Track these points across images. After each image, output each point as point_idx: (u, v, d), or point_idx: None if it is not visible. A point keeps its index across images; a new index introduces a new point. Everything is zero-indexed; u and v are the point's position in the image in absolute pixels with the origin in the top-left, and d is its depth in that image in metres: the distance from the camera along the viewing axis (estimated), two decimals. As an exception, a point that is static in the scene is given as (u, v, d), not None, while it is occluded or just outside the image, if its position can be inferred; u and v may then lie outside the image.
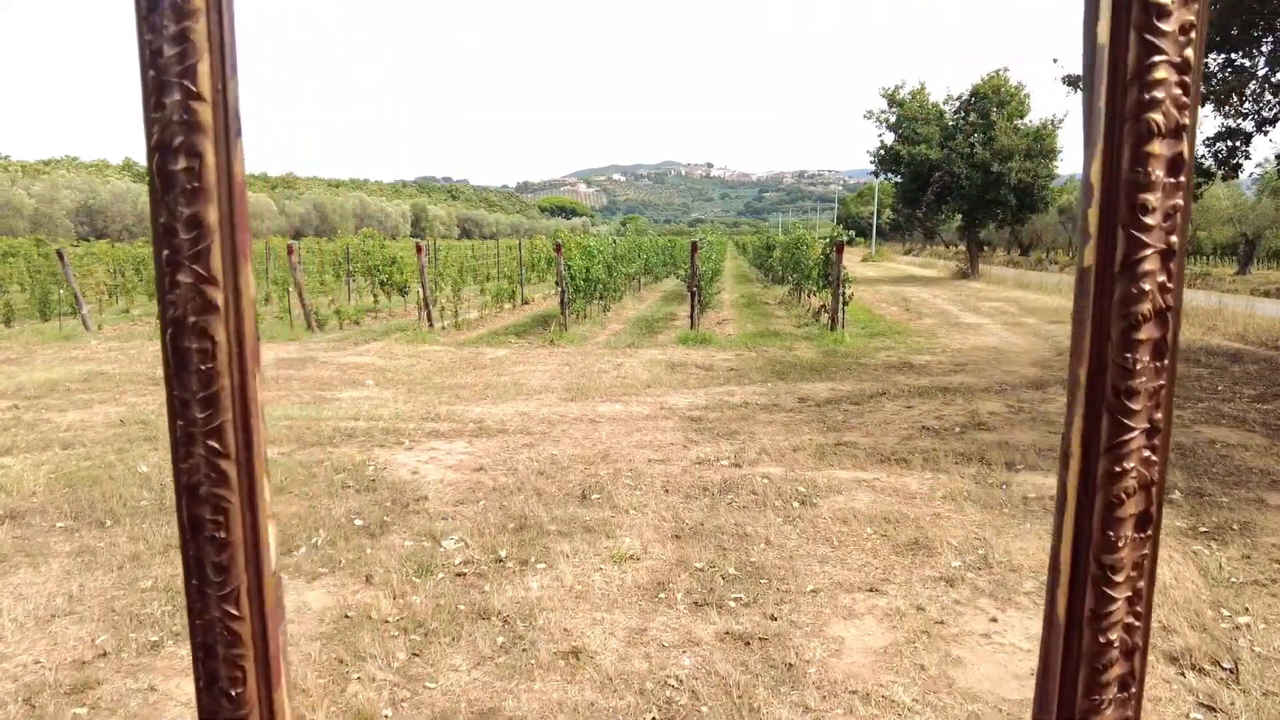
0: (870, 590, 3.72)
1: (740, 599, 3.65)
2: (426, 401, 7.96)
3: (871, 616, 3.48)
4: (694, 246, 13.31)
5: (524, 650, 3.23)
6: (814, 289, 14.88)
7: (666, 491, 5.16)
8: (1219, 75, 9.29)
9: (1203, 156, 10.06)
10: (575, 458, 5.94)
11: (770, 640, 3.28)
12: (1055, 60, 10.92)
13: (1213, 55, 9.31)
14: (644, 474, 5.52)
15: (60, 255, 14.31)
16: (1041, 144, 26.39)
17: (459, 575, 3.96)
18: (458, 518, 4.73)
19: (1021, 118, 26.65)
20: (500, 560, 4.12)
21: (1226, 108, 9.46)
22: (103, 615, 3.53)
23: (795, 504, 4.88)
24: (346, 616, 3.56)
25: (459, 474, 5.58)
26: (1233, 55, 9.08)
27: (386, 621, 3.51)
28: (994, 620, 3.43)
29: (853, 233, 13.88)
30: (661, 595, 3.71)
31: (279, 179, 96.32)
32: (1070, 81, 10.67)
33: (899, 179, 29.39)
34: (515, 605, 3.62)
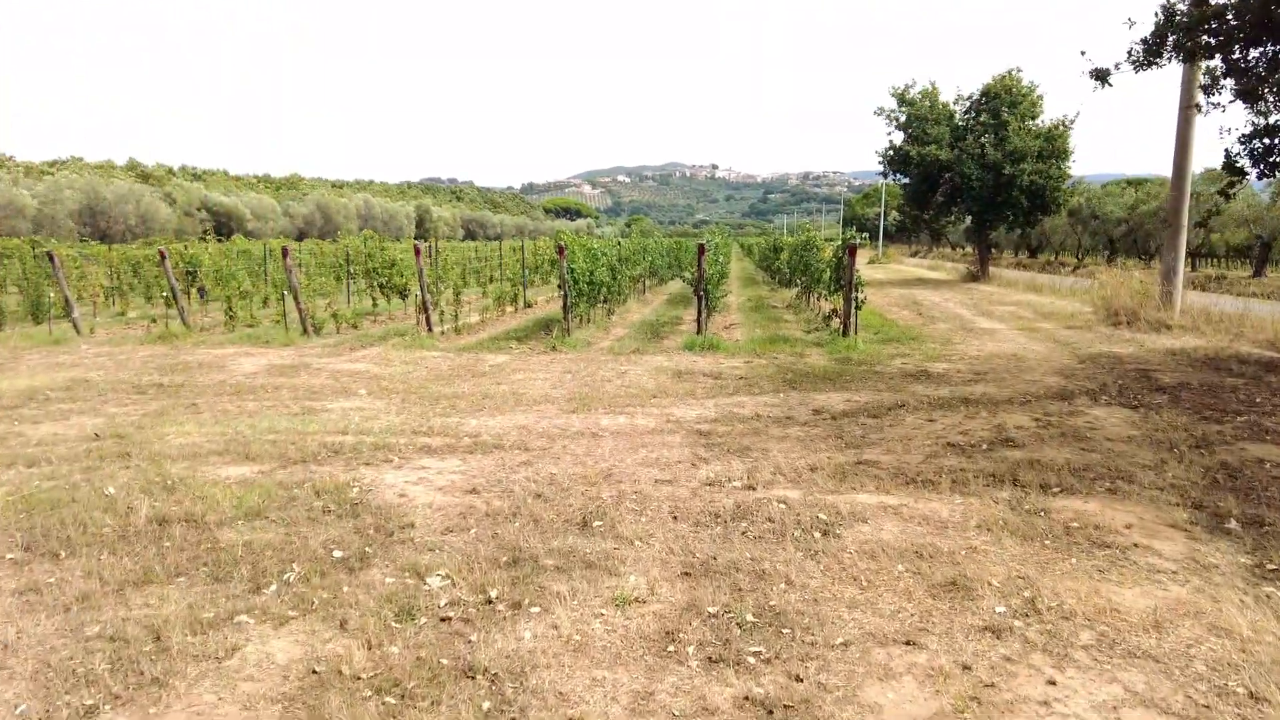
0: (907, 643, 3.28)
1: (760, 653, 3.21)
2: (420, 413, 7.54)
3: (911, 677, 3.04)
4: (701, 249, 12.86)
5: (513, 720, 2.80)
6: (824, 293, 14.43)
7: (675, 518, 4.73)
8: (1254, 69, 8.82)
9: (1237, 155, 9.58)
10: (576, 477, 5.51)
11: (797, 709, 2.84)
12: (1083, 53, 10.36)
13: (1248, 49, 8.84)
14: (650, 497, 5.09)
15: (50, 257, 13.92)
16: (1053, 145, 25.87)
17: (443, 620, 3.53)
18: (446, 549, 4.30)
19: (1034, 118, 26.11)
20: (490, 602, 3.69)
21: (1261, 104, 8.96)
22: (36, 672, 3.11)
23: (816, 534, 4.44)
24: (314, 672, 3.14)
25: (450, 497, 5.16)
26: (1272, 48, 8.56)
27: (359, 679, 3.09)
28: (1052, 683, 2.99)
29: (865, 235, 13.42)
30: (670, 648, 3.27)
31: (283, 180, 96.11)
32: (1098, 75, 10.12)
33: (907, 180, 28.87)
34: (505, 660, 3.19)
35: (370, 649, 3.30)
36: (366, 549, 4.31)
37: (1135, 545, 4.29)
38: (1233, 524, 4.58)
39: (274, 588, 3.86)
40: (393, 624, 3.50)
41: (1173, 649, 3.22)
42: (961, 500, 5.01)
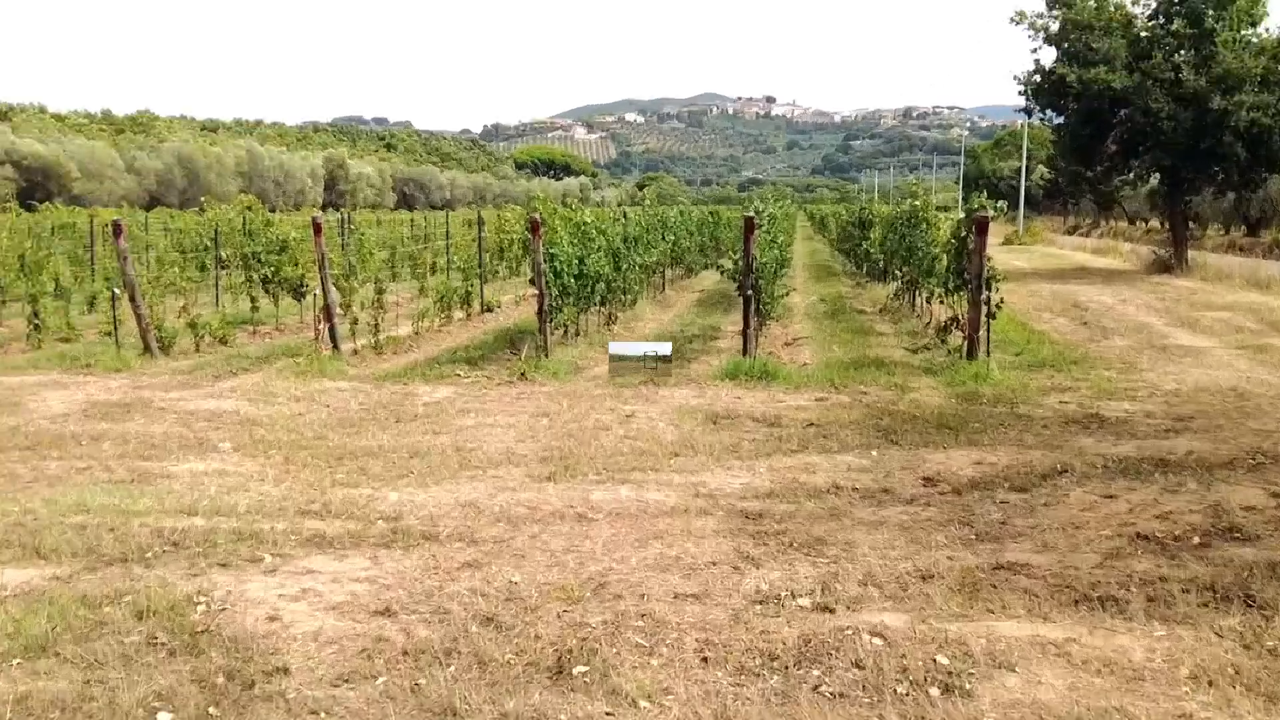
0: None
1: None
2: (312, 481, 7.44)
3: None
4: (749, 224, 12.81)
5: None
6: (939, 291, 14.30)
7: (705, 661, 4.50)
8: None
9: None
10: (550, 589, 5.33)
11: None
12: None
13: None
14: (666, 624, 4.88)
15: None
16: (1287, 65, 25.72)
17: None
18: (336, 713, 4.05)
19: (1254, 24, 25.98)
20: (402, 808, 3.43)
21: None
22: None
23: (933, 691, 4.19)
24: None
25: (348, 621, 4.97)
26: None
27: None
28: None
29: (1003, 202, 13.31)
30: None
31: (127, 119, 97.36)
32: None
33: (1062, 119, 28.84)
34: None
35: None
36: (211, 710, 4.07)
37: None
38: None
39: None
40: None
41: None
42: (1164, 631, 4.79)
